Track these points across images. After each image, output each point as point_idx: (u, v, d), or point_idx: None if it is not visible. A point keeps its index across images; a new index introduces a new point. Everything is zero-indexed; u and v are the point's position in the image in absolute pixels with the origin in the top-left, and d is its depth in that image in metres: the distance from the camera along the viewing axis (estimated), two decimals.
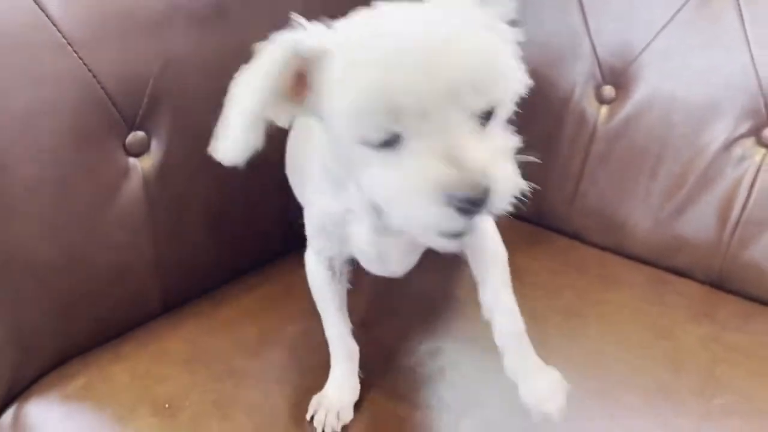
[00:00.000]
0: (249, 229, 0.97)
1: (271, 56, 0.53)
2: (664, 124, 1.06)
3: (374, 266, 0.69)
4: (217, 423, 0.70)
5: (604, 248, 1.12)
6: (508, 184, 0.50)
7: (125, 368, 0.77)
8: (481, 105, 0.50)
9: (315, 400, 0.72)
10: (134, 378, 0.75)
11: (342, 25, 0.55)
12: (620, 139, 1.10)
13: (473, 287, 0.70)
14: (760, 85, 1.00)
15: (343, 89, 0.50)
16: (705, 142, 1.04)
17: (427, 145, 0.48)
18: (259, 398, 0.73)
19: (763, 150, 1.01)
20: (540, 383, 0.65)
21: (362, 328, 0.77)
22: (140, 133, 0.81)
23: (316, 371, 0.78)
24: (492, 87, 0.50)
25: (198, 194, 0.88)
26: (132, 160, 0.81)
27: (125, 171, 0.80)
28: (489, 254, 0.69)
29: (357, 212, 0.63)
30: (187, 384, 0.75)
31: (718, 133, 1.03)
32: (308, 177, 0.69)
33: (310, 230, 0.71)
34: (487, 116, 0.51)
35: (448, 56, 0.49)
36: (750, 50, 0.99)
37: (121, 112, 0.78)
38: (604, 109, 1.12)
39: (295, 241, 1.02)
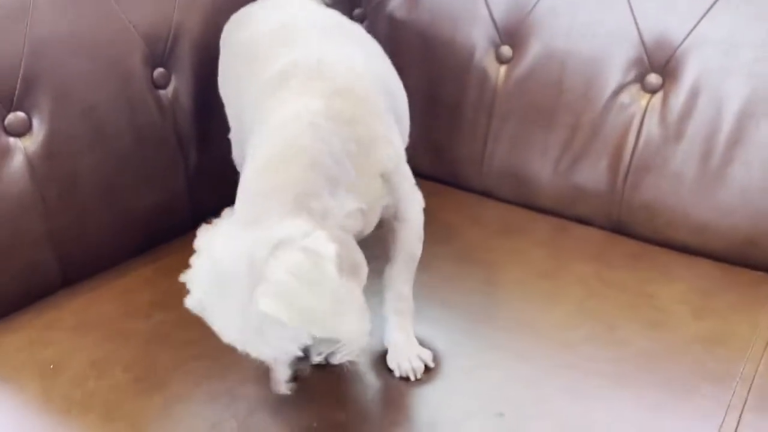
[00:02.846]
0: (151, 204, 1.00)
1: None
2: (557, 79, 1.10)
3: None
4: (94, 380, 0.74)
5: (514, 204, 1.15)
6: None
7: (17, 337, 0.81)
8: None
9: None
10: (23, 345, 0.79)
11: None
12: (519, 96, 1.14)
13: None
14: (640, 36, 1.03)
15: None
16: (595, 93, 1.08)
17: None
18: (138, 355, 0.77)
19: (647, 95, 1.05)
20: (403, 352, 0.75)
21: None
22: (20, 114, 0.84)
23: (199, 326, 0.81)
24: None
25: (90, 170, 0.91)
26: (13, 140, 0.84)
27: (6, 151, 0.84)
28: (404, 249, 0.77)
29: None
30: (72, 347, 0.78)
31: (607, 83, 1.07)
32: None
33: None
34: None
35: None
36: (630, 3, 1.03)
37: None
38: (503, 69, 1.15)
39: (203, 217, 1.07)
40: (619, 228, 1.08)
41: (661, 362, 0.76)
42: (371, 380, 0.75)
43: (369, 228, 0.73)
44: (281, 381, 0.65)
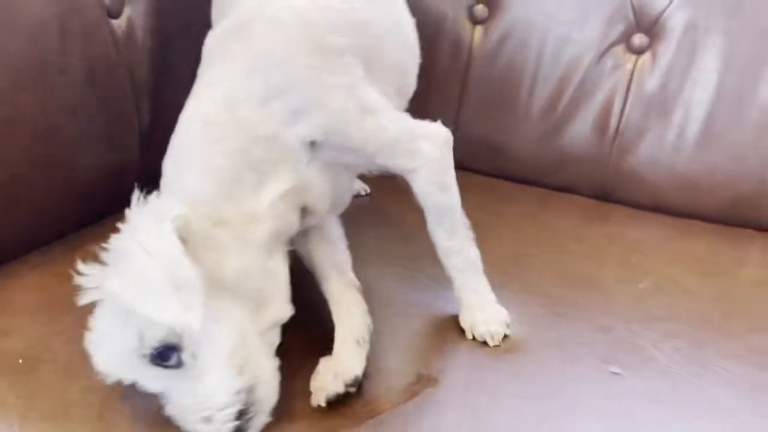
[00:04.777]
0: (97, 166, 0.80)
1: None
2: (538, 40, 1.04)
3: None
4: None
5: (489, 175, 1.08)
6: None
7: None
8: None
9: None
10: None
11: None
12: (497, 59, 1.07)
13: None
14: None
15: None
16: (578, 55, 1.04)
17: None
18: None
19: (633, 57, 1.02)
20: (475, 314, 0.65)
21: None
22: None
23: None
24: None
25: (32, 112, 0.70)
26: None
27: None
28: (426, 202, 0.66)
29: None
30: (44, 334, 0.57)
31: (590, 44, 1.03)
32: None
33: None
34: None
35: None
36: None
37: None
38: (478, 30, 1.07)
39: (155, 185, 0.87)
40: (604, 195, 1.05)
41: None
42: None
43: (322, 201, 0.62)
44: None
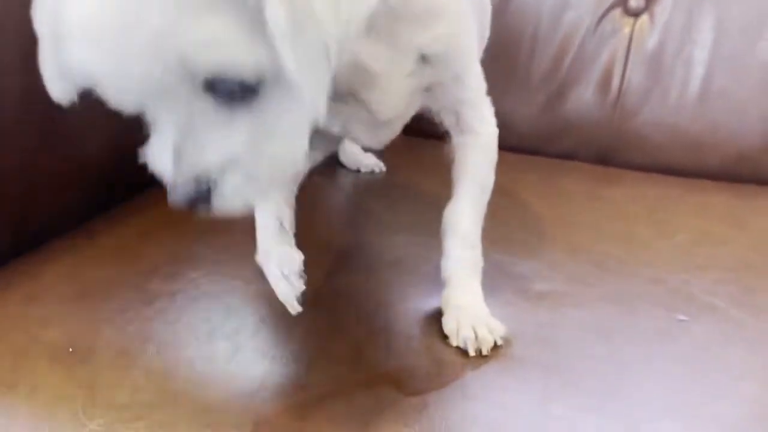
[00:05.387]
0: (110, 141, 0.75)
1: None
2: (535, 7, 1.05)
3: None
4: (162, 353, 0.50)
5: None
6: (228, 191, 0.43)
7: None
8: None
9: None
10: (2, 329, 0.52)
11: None
12: (494, 27, 1.06)
13: None
14: None
15: None
16: (576, 19, 1.04)
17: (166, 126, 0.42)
18: (194, 318, 0.54)
19: (631, 20, 1.03)
20: (467, 316, 0.55)
21: None
22: None
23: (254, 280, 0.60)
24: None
25: (40, 88, 0.65)
26: None
27: None
28: (472, 174, 0.60)
29: None
30: (88, 322, 0.53)
31: (588, 8, 1.04)
32: None
33: None
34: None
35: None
36: None
37: None
38: None
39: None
40: (605, 159, 1.05)
41: None
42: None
43: (388, 110, 0.55)
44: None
